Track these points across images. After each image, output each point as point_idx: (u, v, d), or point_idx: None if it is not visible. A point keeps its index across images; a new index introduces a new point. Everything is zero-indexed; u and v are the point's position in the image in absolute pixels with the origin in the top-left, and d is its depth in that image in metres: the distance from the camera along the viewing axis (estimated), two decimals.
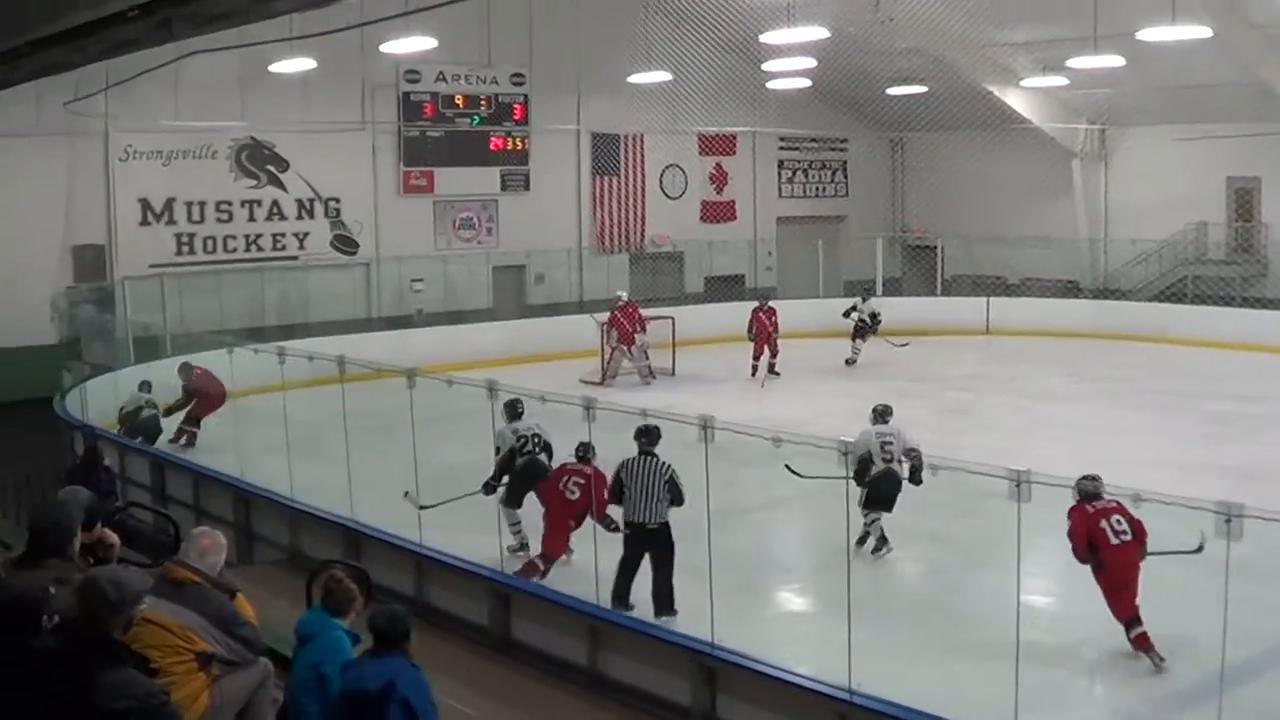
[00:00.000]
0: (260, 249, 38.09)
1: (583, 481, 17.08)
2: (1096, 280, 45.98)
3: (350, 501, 18.88)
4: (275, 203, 38.28)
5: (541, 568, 17.28)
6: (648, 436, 16.39)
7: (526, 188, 42.74)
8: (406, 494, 18.00)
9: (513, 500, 18.58)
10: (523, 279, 43.29)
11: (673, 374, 34.64)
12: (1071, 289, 45.44)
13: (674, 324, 35.51)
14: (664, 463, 16.18)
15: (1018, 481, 10.92)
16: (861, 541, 18.66)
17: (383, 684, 9.18)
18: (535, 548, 17.69)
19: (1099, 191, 46.60)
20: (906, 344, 36.23)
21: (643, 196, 45.78)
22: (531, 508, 18.30)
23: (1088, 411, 29.44)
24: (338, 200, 39.33)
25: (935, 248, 46.16)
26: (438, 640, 14.88)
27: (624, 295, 35.63)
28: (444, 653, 14.34)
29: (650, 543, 16.18)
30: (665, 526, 16.11)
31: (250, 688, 9.37)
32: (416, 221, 40.79)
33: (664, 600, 15.93)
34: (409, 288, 40.23)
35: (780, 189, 50.40)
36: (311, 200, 38.86)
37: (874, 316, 36.17)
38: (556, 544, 17.48)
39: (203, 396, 26.44)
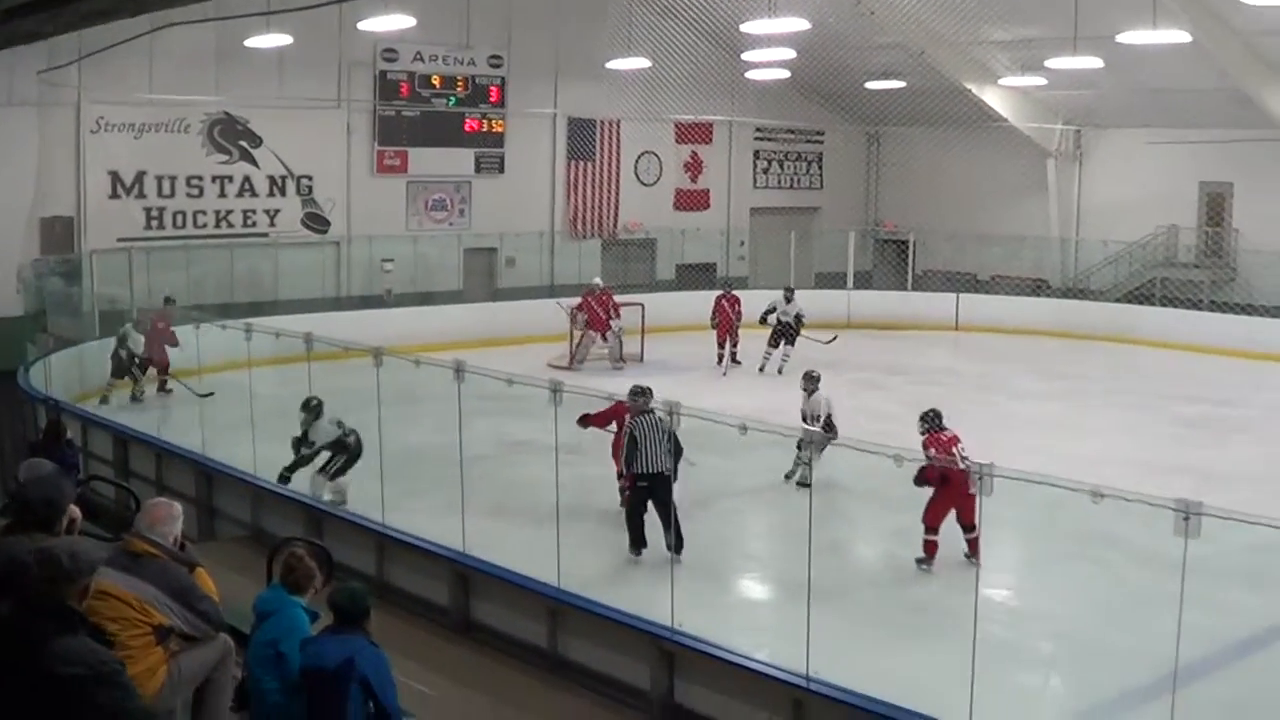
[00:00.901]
0: (230, 225, 37.79)
1: None
2: (1066, 279, 46.03)
3: (312, 479, 18.92)
4: (247, 179, 38.00)
5: None
6: (645, 396, 18.19)
7: (501, 170, 42.55)
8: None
9: (336, 475, 19.73)
10: (494, 262, 43.13)
11: (641, 360, 34.61)
12: (1041, 287, 45.50)
13: (644, 311, 35.51)
14: (663, 417, 17.31)
15: (980, 475, 10.95)
16: (790, 475, 21.58)
17: (342, 661, 9.17)
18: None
19: (1072, 191, 46.62)
20: (834, 338, 34.83)
21: (617, 183, 45.67)
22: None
23: (1055, 410, 29.51)
24: (310, 178, 39.08)
25: (907, 242, 46.23)
26: (398, 620, 14.88)
27: (599, 281, 35.66)
28: (404, 632, 14.34)
29: (661, 490, 17.52)
30: (670, 474, 17.49)
31: (210, 663, 9.31)
32: (389, 201, 40.57)
33: (680, 539, 17.29)
34: (379, 267, 40.02)
35: (755, 179, 50.24)
36: (284, 177, 38.61)
37: (798, 318, 34.55)
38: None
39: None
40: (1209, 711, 12.84)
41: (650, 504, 17.93)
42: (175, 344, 27.94)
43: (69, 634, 6.75)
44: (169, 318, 28.36)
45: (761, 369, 34.02)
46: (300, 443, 19.91)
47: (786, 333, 34.22)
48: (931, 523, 17.93)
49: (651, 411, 17.97)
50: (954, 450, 18.19)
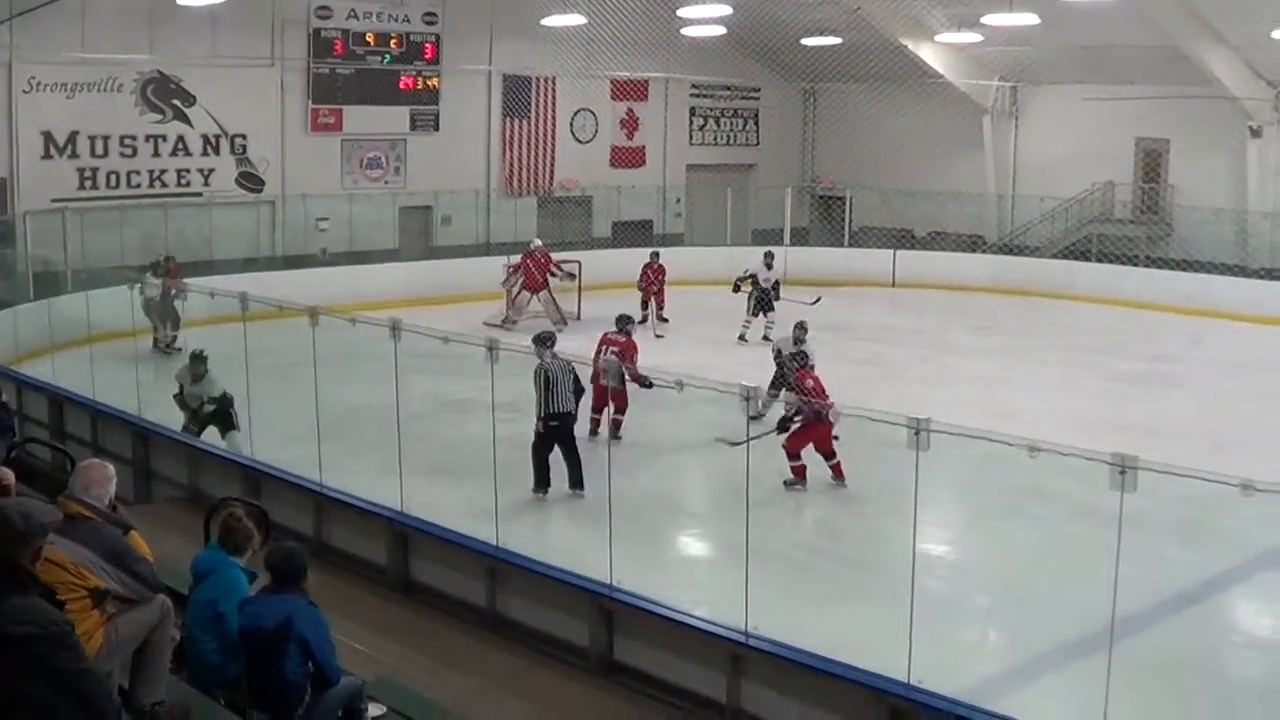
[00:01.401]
0: (164, 184, 37.50)
1: (617, 350, 20.98)
2: (1003, 236, 46.22)
3: (250, 440, 18.83)
4: (181, 138, 37.70)
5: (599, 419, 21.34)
6: (551, 339, 19.84)
7: (436, 128, 42.38)
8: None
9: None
10: (429, 220, 42.96)
11: (578, 318, 34.58)
12: (978, 244, 45.64)
13: (580, 268, 35.48)
14: (566, 361, 19.08)
15: (917, 430, 10.97)
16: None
17: (280, 621, 9.19)
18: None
19: (1009, 148, 46.79)
20: (818, 299, 33.58)
21: (553, 140, 45.51)
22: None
23: (992, 365, 29.66)
24: (244, 137, 38.80)
25: (844, 199, 46.36)
26: (337, 580, 14.84)
27: (538, 242, 35.59)
28: (343, 592, 14.30)
29: (564, 429, 19.14)
30: (573, 413, 19.30)
31: (148, 625, 9.24)
32: (323, 160, 40.32)
33: (580, 476, 19.15)
34: (314, 227, 39.81)
35: (691, 136, 50.18)
36: (217, 136, 38.30)
37: (776, 286, 33.61)
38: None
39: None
40: (1145, 665, 12.96)
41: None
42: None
43: (21, 593, 6.72)
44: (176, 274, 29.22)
45: (742, 338, 33.07)
46: (185, 397, 20.23)
47: (765, 300, 33.33)
48: (794, 449, 20.00)
49: (557, 355, 19.30)
50: (823, 387, 20.83)
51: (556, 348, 19.41)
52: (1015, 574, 16.57)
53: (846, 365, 27.09)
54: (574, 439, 19.36)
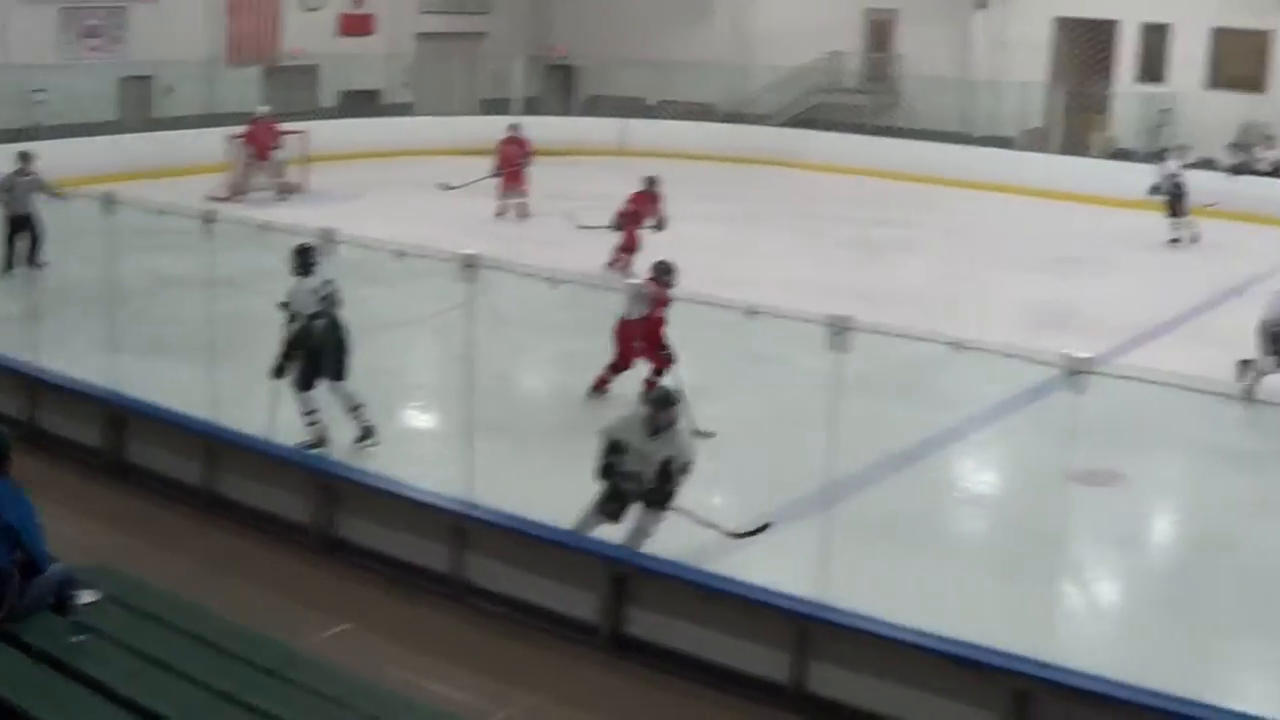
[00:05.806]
0: None
1: None
2: (733, 105, 46.42)
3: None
4: None
5: None
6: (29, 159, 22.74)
7: None
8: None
9: (301, 382, 15.80)
10: (150, 91, 41.89)
11: (305, 189, 34.12)
12: (708, 112, 45.79)
13: (307, 139, 34.92)
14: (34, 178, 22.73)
15: (638, 295, 10.95)
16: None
17: None
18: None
19: (739, 17, 46.92)
20: (1214, 204, 31.51)
21: (278, 8, 44.61)
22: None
23: (720, 233, 29.80)
24: None
25: (572, 68, 46.29)
26: (49, 465, 14.50)
27: (265, 109, 34.94)
28: (56, 478, 14.03)
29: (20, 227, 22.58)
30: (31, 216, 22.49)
31: None
32: (40, 28, 39.07)
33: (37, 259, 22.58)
34: (30, 98, 38.66)
35: (420, 4, 49.49)
36: None
37: (1174, 183, 31.03)
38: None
39: None
40: (868, 523, 13.22)
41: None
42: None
43: None
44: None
45: (1171, 241, 31.23)
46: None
47: (1172, 202, 31.20)
48: None
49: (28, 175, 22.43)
50: None
51: None
52: (740, 437, 16.69)
53: (573, 234, 27.00)
54: (33, 230, 22.42)
